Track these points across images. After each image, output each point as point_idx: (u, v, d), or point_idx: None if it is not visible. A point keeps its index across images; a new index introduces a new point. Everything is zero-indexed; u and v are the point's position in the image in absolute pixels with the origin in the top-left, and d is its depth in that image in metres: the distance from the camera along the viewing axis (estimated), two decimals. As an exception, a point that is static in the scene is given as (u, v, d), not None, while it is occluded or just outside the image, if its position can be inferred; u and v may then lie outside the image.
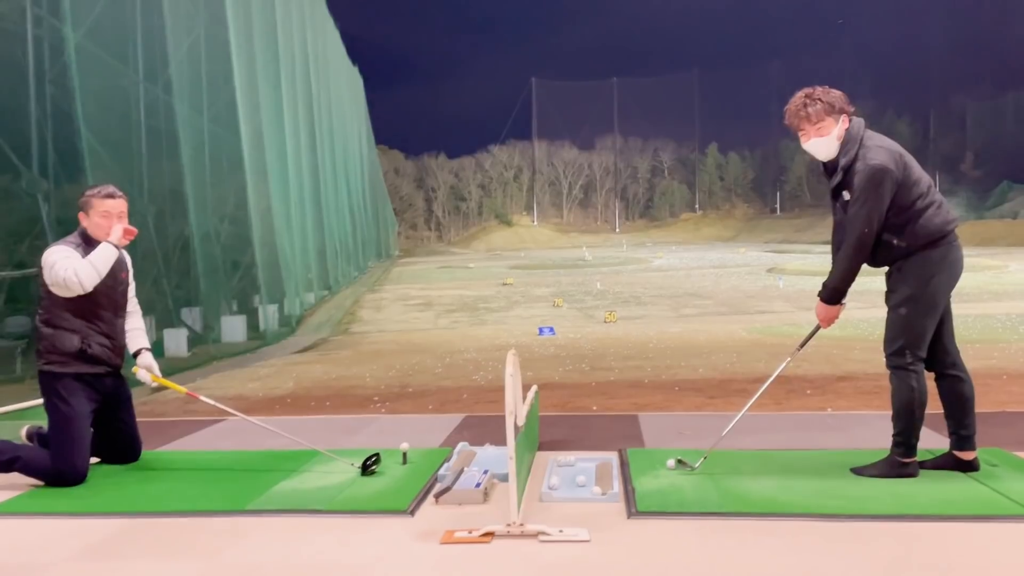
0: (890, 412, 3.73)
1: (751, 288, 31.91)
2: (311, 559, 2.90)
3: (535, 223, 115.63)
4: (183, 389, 4.48)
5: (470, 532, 3.04)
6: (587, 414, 6.03)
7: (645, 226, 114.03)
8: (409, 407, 6.97)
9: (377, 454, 4.07)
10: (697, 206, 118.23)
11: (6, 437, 4.21)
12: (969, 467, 3.74)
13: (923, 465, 3.76)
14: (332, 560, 2.89)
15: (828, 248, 4.07)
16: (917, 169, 3.66)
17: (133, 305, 4.41)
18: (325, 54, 36.83)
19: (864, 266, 3.72)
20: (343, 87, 45.13)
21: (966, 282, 4.16)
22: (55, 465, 3.93)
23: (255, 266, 19.11)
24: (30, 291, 10.73)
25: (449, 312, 26.10)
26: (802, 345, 4.01)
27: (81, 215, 4.10)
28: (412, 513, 3.37)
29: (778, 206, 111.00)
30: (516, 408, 3.21)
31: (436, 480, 3.79)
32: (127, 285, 4.33)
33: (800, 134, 3.76)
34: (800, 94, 3.75)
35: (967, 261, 3.79)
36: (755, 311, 23.28)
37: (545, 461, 4.09)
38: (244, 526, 3.27)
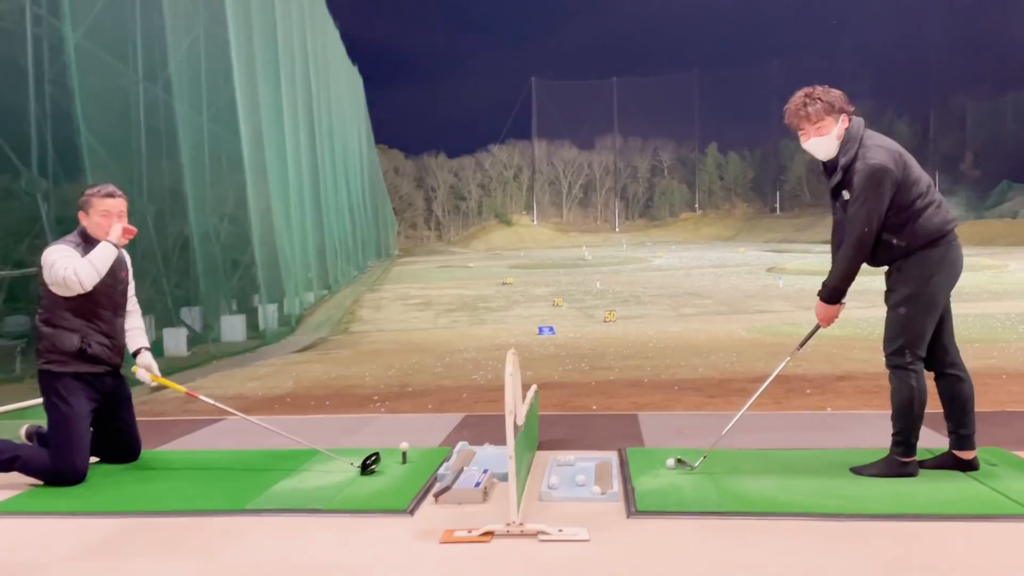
0: (890, 411, 3.73)
1: (751, 287, 31.92)
2: (311, 558, 2.90)
3: (535, 222, 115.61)
4: (182, 388, 4.48)
5: (470, 531, 3.04)
6: (587, 413, 6.04)
7: (645, 225, 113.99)
8: (409, 406, 6.97)
9: (377, 453, 4.07)
10: (697, 206, 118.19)
11: (5, 436, 4.21)
12: (969, 466, 3.74)
13: (923, 464, 3.76)
14: (331, 559, 2.89)
15: (828, 247, 4.07)
16: (917, 168, 3.66)
17: (133, 304, 4.41)
18: (325, 53, 36.81)
19: (864, 265, 3.72)
20: (343, 86, 45.12)
21: (966, 281, 4.16)
22: (54, 464, 3.93)
23: (255, 265, 19.12)
24: (30, 290, 10.73)
25: (449, 311, 26.11)
26: (802, 344, 4.01)
27: (81, 214, 4.10)
28: (412, 512, 3.37)
29: (778, 205, 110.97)
30: (516, 407, 3.20)
31: (436, 479, 3.79)
32: (127, 284, 4.33)
33: (800, 133, 3.76)
34: (800, 93, 3.75)
35: (967, 260, 3.79)
36: (755, 310, 23.29)
37: (545, 460, 4.09)
38: (243, 525, 3.27)
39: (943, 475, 3.70)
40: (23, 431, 4.36)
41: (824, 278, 3.81)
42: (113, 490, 3.85)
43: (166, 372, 4.62)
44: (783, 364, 4.02)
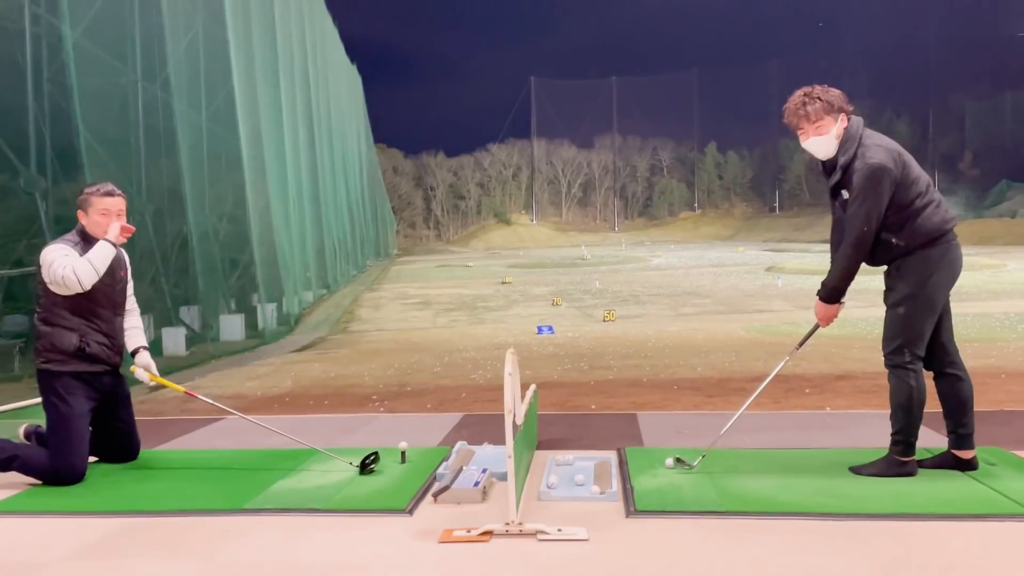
0: (889, 411, 3.73)
1: (750, 287, 31.94)
2: (309, 558, 2.89)
3: (534, 222, 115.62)
4: (181, 388, 4.47)
5: (469, 531, 3.04)
6: (586, 413, 6.03)
7: (644, 225, 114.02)
8: (408, 406, 6.96)
9: (376, 453, 4.07)
10: (696, 205, 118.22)
11: (4, 436, 4.20)
12: (968, 466, 3.74)
13: (922, 464, 3.76)
14: (330, 559, 2.89)
15: (827, 247, 4.07)
16: (916, 168, 3.66)
17: (131, 304, 4.41)
18: (324, 52, 36.80)
19: (863, 265, 3.72)
20: (342, 85, 45.10)
21: (965, 281, 4.16)
22: (53, 464, 3.92)
23: (253, 265, 19.12)
24: (28, 289, 10.72)
25: (448, 311, 26.11)
26: (801, 344, 4.01)
27: (80, 213, 4.09)
28: (411, 512, 3.37)
29: (777, 205, 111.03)
30: (515, 407, 3.20)
31: (435, 479, 3.79)
32: (125, 283, 4.32)
33: (799, 133, 3.76)
34: (799, 93, 3.75)
35: (966, 260, 3.78)
36: (754, 310, 23.31)
37: (544, 460, 4.09)
38: (242, 525, 3.26)
39: (942, 474, 3.70)
40: (22, 430, 4.35)
41: (823, 277, 3.81)
42: (112, 490, 3.85)
43: (165, 371, 4.62)
44: (782, 363, 4.02)
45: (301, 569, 2.80)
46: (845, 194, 3.67)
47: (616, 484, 3.61)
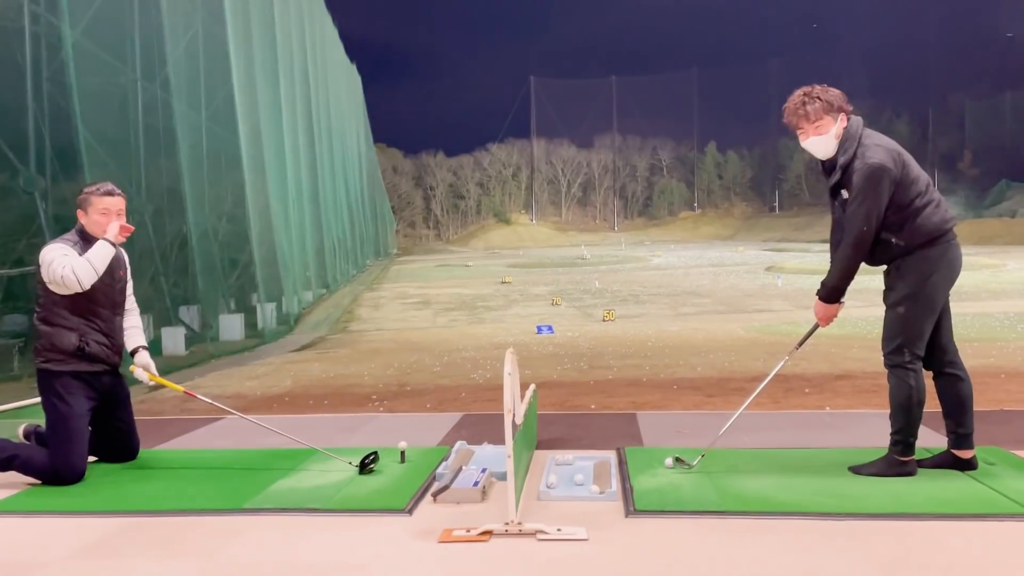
0: (888, 411, 3.73)
1: (749, 287, 31.95)
2: (309, 558, 2.89)
3: (533, 221, 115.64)
4: (180, 388, 4.47)
5: (468, 531, 3.04)
6: (585, 413, 6.03)
7: (644, 224, 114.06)
8: (407, 405, 6.96)
9: (375, 452, 4.07)
10: (696, 205, 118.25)
11: (4, 435, 4.20)
12: (967, 465, 3.74)
13: (921, 464, 3.76)
14: (330, 559, 2.88)
15: (827, 246, 4.07)
16: (915, 168, 3.66)
17: (131, 303, 4.41)
18: (323, 52, 36.80)
19: (863, 265, 3.72)
20: (341, 85, 45.10)
21: (964, 280, 4.16)
22: (53, 463, 3.92)
23: (253, 264, 19.12)
24: (28, 289, 10.72)
25: (447, 310, 26.12)
26: (800, 344, 4.01)
27: (79, 212, 4.09)
28: (410, 512, 3.37)
29: (777, 205, 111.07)
30: (514, 406, 3.20)
31: (434, 479, 3.79)
32: (125, 283, 4.32)
33: (799, 132, 3.76)
34: (799, 92, 3.74)
35: (965, 260, 3.78)
36: (753, 310, 23.32)
37: (543, 460, 4.09)
38: (242, 525, 3.26)
39: (942, 474, 3.70)
40: (21, 430, 4.35)
41: (823, 277, 3.81)
42: (111, 489, 3.84)
43: (164, 371, 4.62)
44: (782, 363, 4.02)
45: (300, 569, 2.80)
46: (845, 194, 3.67)
47: (615, 484, 3.61)
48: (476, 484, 3.52)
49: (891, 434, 3.71)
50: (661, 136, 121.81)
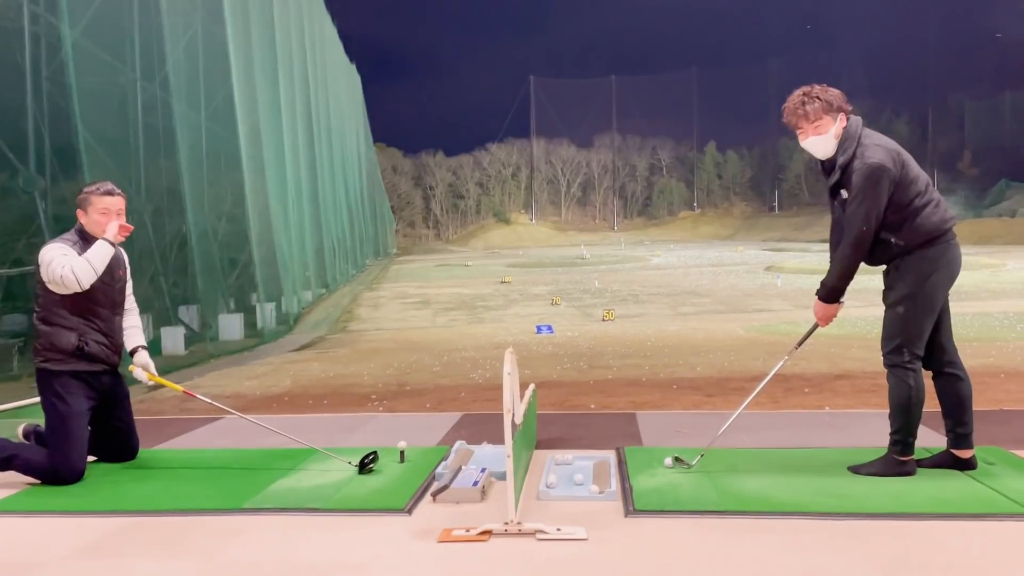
0: (888, 410, 3.73)
1: (749, 286, 31.95)
2: (308, 557, 2.89)
3: (533, 221, 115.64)
4: (180, 387, 4.47)
5: (467, 530, 3.04)
6: (585, 412, 6.03)
7: (643, 224, 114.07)
8: (407, 405, 6.96)
9: (375, 452, 4.07)
10: (695, 204, 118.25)
11: (3, 435, 4.20)
12: (967, 465, 3.74)
13: (921, 463, 3.76)
14: (329, 559, 2.88)
15: (826, 246, 4.07)
16: (915, 167, 3.66)
17: (130, 303, 4.41)
18: (323, 51, 36.80)
19: (862, 264, 3.72)
20: (341, 84, 45.10)
21: (964, 280, 4.16)
22: (52, 463, 3.92)
23: (253, 264, 19.12)
24: (27, 289, 10.72)
25: (447, 310, 26.12)
26: (800, 343, 4.01)
27: (79, 212, 4.09)
28: (409, 511, 3.36)
29: (776, 204, 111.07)
30: (514, 406, 3.20)
31: (433, 478, 3.79)
32: (124, 283, 4.32)
33: (798, 132, 3.76)
34: (798, 92, 3.75)
35: (965, 259, 3.79)
36: (753, 309, 23.32)
37: (543, 459, 4.09)
38: (241, 524, 3.26)
39: (941, 474, 3.70)
40: (21, 430, 4.35)
41: (822, 277, 3.81)
42: (111, 489, 3.84)
43: (163, 371, 4.62)
44: (781, 363, 4.02)
45: (300, 569, 2.80)
46: (844, 194, 3.67)
47: (615, 483, 3.61)
48: (475, 484, 3.53)
49: (890, 434, 3.71)
50: (661, 136, 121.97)
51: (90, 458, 4.13)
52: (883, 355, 3.73)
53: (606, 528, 3.10)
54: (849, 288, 3.76)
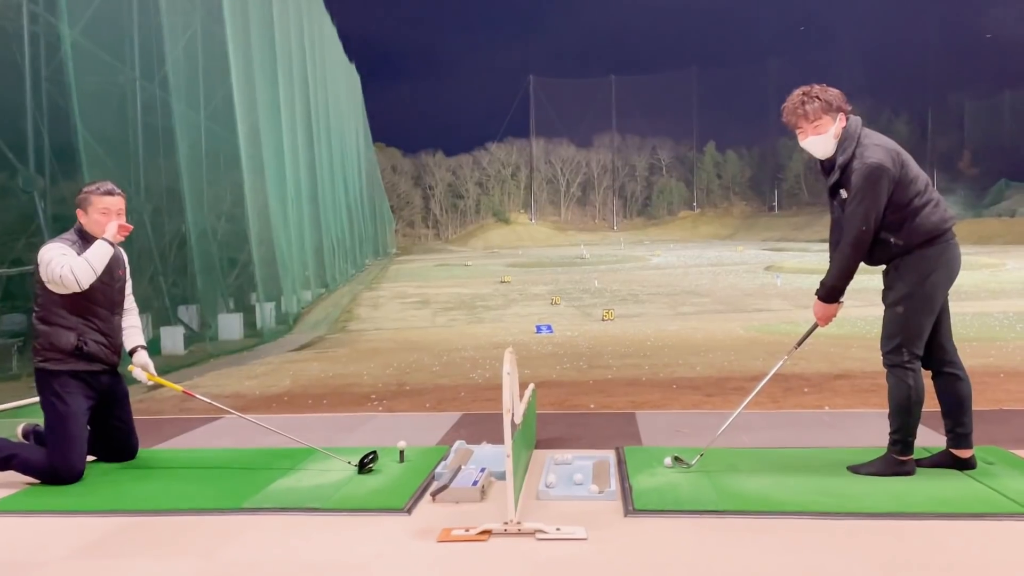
0: (887, 410, 3.73)
1: (749, 286, 31.94)
2: (308, 557, 2.89)
3: (533, 221, 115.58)
4: (179, 387, 4.47)
5: (467, 530, 3.04)
6: (584, 412, 6.03)
7: (643, 224, 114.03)
8: (406, 405, 6.96)
9: (374, 452, 4.07)
10: (695, 204, 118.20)
11: (2, 435, 4.20)
12: (966, 465, 3.74)
13: (920, 463, 3.76)
14: (329, 558, 2.88)
15: (826, 246, 4.07)
16: (914, 167, 3.66)
17: (130, 303, 4.41)
18: (322, 51, 36.79)
19: (862, 264, 3.72)
20: (340, 84, 45.08)
21: (963, 280, 4.16)
22: (51, 463, 3.92)
23: (252, 264, 19.11)
24: (26, 288, 10.71)
25: (446, 310, 26.12)
26: (799, 343, 4.01)
27: (79, 212, 4.09)
28: (409, 511, 3.36)
29: (776, 204, 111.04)
30: (513, 406, 3.20)
31: (433, 478, 3.79)
32: (124, 282, 4.32)
33: (797, 132, 3.76)
34: (798, 92, 3.75)
35: (964, 259, 3.79)
36: (753, 309, 23.32)
37: (542, 459, 4.09)
38: (240, 524, 3.26)
39: (940, 474, 3.70)
40: (20, 430, 4.35)
41: (822, 277, 3.81)
42: (110, 489, 3.84)
43: (163, 371, 4.62)
44: (781, 362, 4.02)
45: (300, 568, 2.80)
46: (844, 193, 3.67)
47: (614, 483, 3.61)
48: (475, 484, 3.53)
49: (890, 433, 3.72)
50: (660, 136, 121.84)
51: (89, 458, 4.13)
52: (882, 355, 3.73)
53: (606, 528, 3.10)
54: (849, 288, 3.76)
